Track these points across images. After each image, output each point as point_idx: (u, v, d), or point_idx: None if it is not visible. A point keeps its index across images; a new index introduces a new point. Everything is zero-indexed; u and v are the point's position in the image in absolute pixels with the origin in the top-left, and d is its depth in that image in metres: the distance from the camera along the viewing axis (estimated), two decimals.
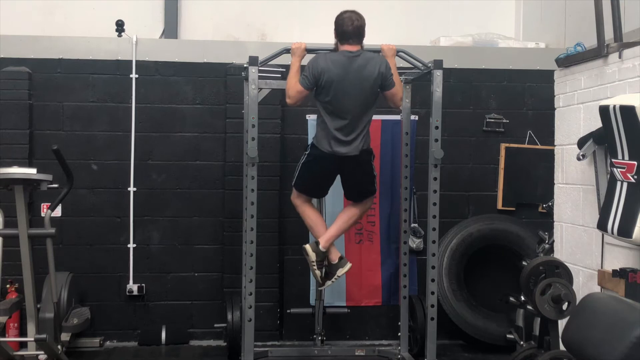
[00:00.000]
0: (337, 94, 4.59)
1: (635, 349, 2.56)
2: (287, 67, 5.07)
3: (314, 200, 5.13)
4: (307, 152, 4.84)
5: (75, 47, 5.86)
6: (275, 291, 5.86)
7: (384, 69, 4.65)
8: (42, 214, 5.46)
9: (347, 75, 4.59)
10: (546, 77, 4.97)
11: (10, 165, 4.95)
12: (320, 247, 4.73)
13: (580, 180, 4.29)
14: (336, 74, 4.58)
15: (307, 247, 4.75)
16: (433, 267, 4.79)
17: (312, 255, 4.72)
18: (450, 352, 5.72)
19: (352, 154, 4.65)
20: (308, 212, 4.92)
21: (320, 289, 4.93)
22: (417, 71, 5.10)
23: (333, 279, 4.77)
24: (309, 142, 5.71)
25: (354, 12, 4.67)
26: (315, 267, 4.74)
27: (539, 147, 6.03)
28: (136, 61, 5.89)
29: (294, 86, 4.68)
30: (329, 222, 5.07)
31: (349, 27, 4.62)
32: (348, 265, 4.78)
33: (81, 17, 6.57)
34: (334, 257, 4.78)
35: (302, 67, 4.75)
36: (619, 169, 3.65)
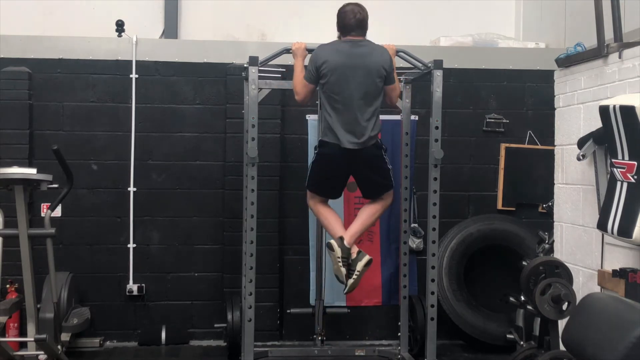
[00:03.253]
0: (339, 81, 4.52)
1: (635, 349, 2.56)
2: (288, 67, 5.09)
3: None
4: (316, 151, 4.75)
5: (75, 47, 5.86)
6: (275, 291, 5.86)
7: (389, 61, 4.61)
8: (42, 214, 5.47)
9: (350, 61, 4.53)
10: (546, 77, 4.97)
11: (10, 165, 4.95)
12: (345, 242, 4.55)
13: (580, 180, 4.29)
14: (338, 60, 4.53)
15: (333, 242, 4.57)
16: (433, 267, 4.79)
17: (338, 251, 4.53)
18: (450, 352, 5.72)
19: (360, 147, 4.54)
20: (323, 211, 4.78)
21: (345, 292, 4.78)
22: (417, 71, 5.10)
23: (354, 276, 4.55)
24: (309, 143, 5.74)
25: (356, 4, 4.64)
26: (340, 264, 4.53)
27: (539, 147, 6.03)
28: (136, 61, 5.89)
29: (300, 82, 4.67)
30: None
31: (352, 20, 4.59)
32: (367, 258, 4.57)
33: (81, 17, 6.56)
34: (353, 252, 4.60)
35: (306, 67, 4.75)
36: (619, 169, 3.65)
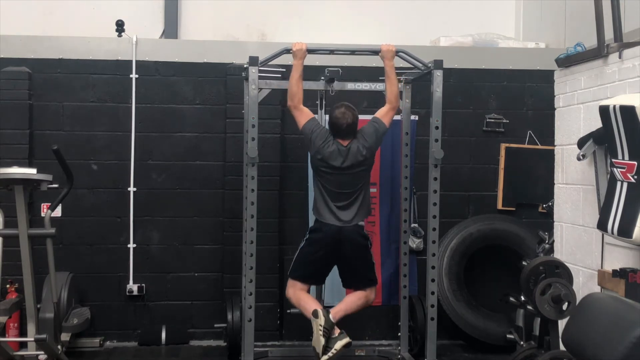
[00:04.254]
0: (332, 178, 4.75)
1: (635, 349, 2.56)
2: (287, 67, 5.08)
3: None
4: (305, 237, 4.88)
5: (75, 47, 5.86)
6: (275, 291, 5.85)
7: (369, 136, 4.77)
8: (42, 214, 5.47)
9: (341, 164, 4.71)
10: (546, 77, 4.97)
11: (10, 165, 4.94)
12: (330, 316, 4.60)
13: (580, 180, 4.29)
14: (330, 162, 4.72)
15: (320, 310, 4.60)
16: (433, 267, 4.79)
17: (322, 320, 4.54)
18: (450, 352, 5.72)
19: (349, 225, 4.72)
20: (303, 297, 4.83)
21: None
22: (417, 71, 5.10)
23: (330, 353, 4.52)
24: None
25: (348, 107, 4.77)
26: (321, 333, 4.53)
27: (539, 147, 6.03)
28: (136, 61, 5.89)
29: (296, 93, 4.76)
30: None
31: (343, 127, 4.74)
32: (346, 340, 4.56)
33: (81, 17, 6.56)
34: (336, 331, 4.62)
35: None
36: (619, 169, 3.65)
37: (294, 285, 4.88)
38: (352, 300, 4.84)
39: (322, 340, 4.52)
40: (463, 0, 6.93)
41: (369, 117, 4.94)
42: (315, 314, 4.60)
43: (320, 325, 4.54)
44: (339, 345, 4.52)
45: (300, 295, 4.85)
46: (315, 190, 4.91)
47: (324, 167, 4.76)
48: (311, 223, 5.71)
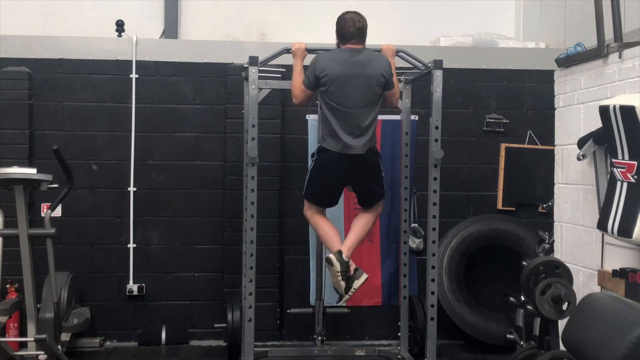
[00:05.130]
0: (339, 89, 4.55)
1: (635, 349, 2.56)
2: (287, 67, 5.08)
3: None
4: (314, 158, 4.74)
5: (75, 47, 5.86)
6: (275, 291, 5.86)
7: (388, 69, 4.63)
8: (42, 214, 5.46)
9: (350, 70, 4.55)
10: (546, 77, 4.97)
11: (10, 165, 4.94)
12: (344, 256, 4.57)
13: (580, 180, 4.29)
14: (337, 71, 4.55)
15: (332, 257, 4.57)
16: (433, 267, 4.79)
17: (337, 265, 4.53)
18: (450, 352, 5.72)
19: (359, 152, 4.56)
20: (321, 224, 4.79)
21: (339, 304, 4.81)
22: (417, 71, 5.10)
23: (350, 292, 4.60)
24: (309, 143, 5.73)
25: (355, 13, 4.65)
26: (340, 278, 4.54)
27: (539, 147, 6.03)
28: (136, 61, 5.89)
29: (298, 86, 4.69)
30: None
31: (351, 29, 4.60)
32: (364, 277, 4.61)
33: (81, 17, 6.55)
34: (352, 266, 4.64)
35: (305, 67, 4.75)
36: (619, 169, 3.65)
37: (311, 207, 4.82)
38: (360, 229, 4.76)
39: (343, 283, 4.57)
40: (463, 0, 6.93)
41: None
42: (328, 261, 4.59)
43: (337, 271, 4.54)
44: (357, 284, 4.60)
45: (318, 222, 4.80)
46: (321, 125, 4.74)
47: (331, 82, 4.54)
48: None
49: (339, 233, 4.82)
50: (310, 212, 4.84)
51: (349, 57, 4.59)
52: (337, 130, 4.56)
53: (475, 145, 6.14)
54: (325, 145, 4.63)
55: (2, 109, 5.68)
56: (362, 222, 4.79)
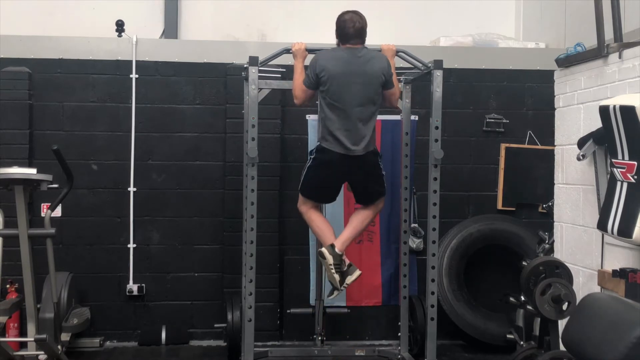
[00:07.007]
0: (338, 88, 4.54)
1: (635, 349, 2.56)
2: (288, 67, 5.08)
3: None
4: (312, 156, 4.73)
5: (75, 47, 5.86)
6: (275, 291, 5.86)
7: (387, 67, 4.63)
8: (42, 214, 5.46)
9: (349, 68, 4.55)
10: (546, 77, 4.97)
11: (10, 165, 4.95)
12: (337, 250, 4.59)
13: (580, 180, 4.29)
14: (337, 70, 4.54)
15: (324, 250, 4.60)
16: (433, 267, 4.79)
17: (330, 258, 4.56)
18: (450, 352, 5.72)
19: (358, 153, 4.57)
20: (315, 219, 4.80)
21: (330, 297, 4.82)
22: (417, 71, 5.09)
23: (342, 287, 4.63)
24: (309, 143, 5.73)
25: (355, 13, 4.64)
26: (333, 271, 4.57)
27: (539, 147, 6.03)
28: (136, 61, 5.89)
29: (299, 86, 4.69)
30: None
31: (350, 29, 4.59)
32: (357, 273, 4.64)
33: (81, 17, 6.56)
34: (345, 261, 4.65)
35: (306, 67, 4.75)
36: (619, 169, 3.65)
37: (306, 202, 4.83)
38: (357, 223, 4.76)
39: (337, 277, 4.60)
40: (463, 0, 6.93)
41: None
42: (321, 254, 4.62)
43: (330, 264, 4.57)
44: (349, 280, 4.62)
45: (312, 217, 4.81)
46: (321, 125, 4.71)
47: (331, 81, 4.53)
48: None
49: (334, 231, 4.81)
50: (304, 206, 4.84)
51: (349, 56, 4.59)
52: (337, 130, 4.56)
53: (475, 145, 6.14)
54: (325, 145, 4.63)
55: (2, 109, 5.68)
56: (360, 218, 4.80)
